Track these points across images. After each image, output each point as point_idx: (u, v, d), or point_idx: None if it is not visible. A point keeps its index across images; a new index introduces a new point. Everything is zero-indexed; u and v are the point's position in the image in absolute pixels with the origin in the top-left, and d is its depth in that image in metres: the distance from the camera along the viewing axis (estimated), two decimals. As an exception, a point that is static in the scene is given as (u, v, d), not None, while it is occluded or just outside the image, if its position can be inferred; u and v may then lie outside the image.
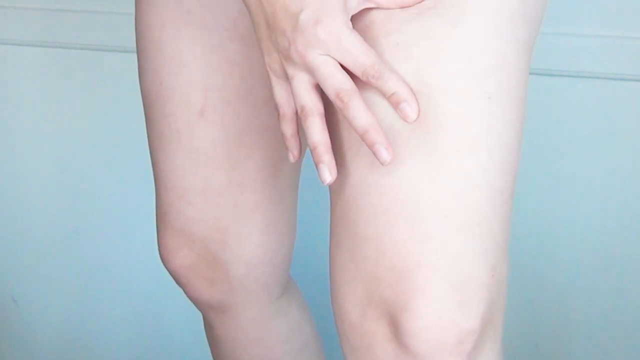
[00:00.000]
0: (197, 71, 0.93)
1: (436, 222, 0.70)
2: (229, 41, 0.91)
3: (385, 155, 0.70)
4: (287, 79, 0.75)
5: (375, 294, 0.71)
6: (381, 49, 0.73)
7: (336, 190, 0.76)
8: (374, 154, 0.70)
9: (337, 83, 0.72)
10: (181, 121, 0.94)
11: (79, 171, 1.55)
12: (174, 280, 1.04)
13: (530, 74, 1.25)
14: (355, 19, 0.75)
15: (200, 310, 1.08)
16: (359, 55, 0.71)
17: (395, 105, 0.71)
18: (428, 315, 0.69)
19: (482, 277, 0.70)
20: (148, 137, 0.99)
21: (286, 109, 0.78)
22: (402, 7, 0.73)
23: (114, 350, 1.63)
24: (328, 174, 0.73)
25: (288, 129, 0.79)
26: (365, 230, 0.72)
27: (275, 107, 0.79)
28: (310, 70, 0.72)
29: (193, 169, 0.96)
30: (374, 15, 0.74)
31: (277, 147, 0.96)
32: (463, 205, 0.70)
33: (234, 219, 0.98)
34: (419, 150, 0.71)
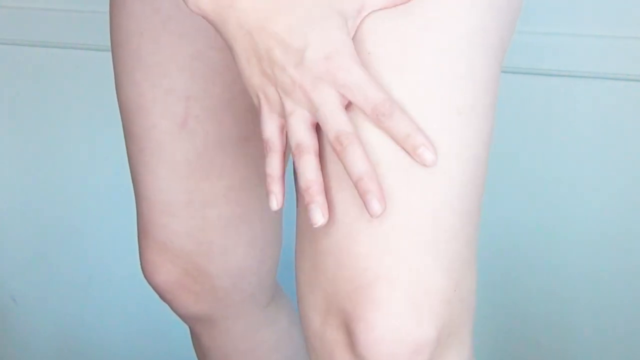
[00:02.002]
0: (178, 81, 0.90)
1: (399, 238, 0.69)
2: (209, 49, 0.89)
3: (376, 207, 0.67)
4: (282, 114, 0.72)
5: (333, 304, 0.70)
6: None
7: (301, 200, 0.74)
8: (365, 203, 0.68)
9: (339, 124, 0.69)
10: (163, 133, 0.92)
11: (79, 171, 1.55)
12: (158, 297, 1.02)
13: (530, 74, 1.26)
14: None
15: (187, 324, 1.07)
16: (370, 91, 0.69)
17: (412, 149, 0.68)
18: (382, 326, 0.68)
19: (443, 292, 0.69)
20: (128, 151, 0.97)
21: (277, 145, 0.74)
22: (395, 5, 0.71)
23: (114, 350, 1.63)
24: (321, 215, 0.70)
25: (276, 168, 0.74)
26: (326, 242, 0.71)
27: (263, 144, 0.75)
28: (313, 107, 0.70)
29: (176, 181, 0.94)
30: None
31: (261, 156, 0.92)
32: (430, 222, 0.69)
33: (219, 232, 0.96)
34: (384, 165, 0.69)
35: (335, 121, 0.69)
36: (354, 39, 0.71)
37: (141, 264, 1.00)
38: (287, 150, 0.75)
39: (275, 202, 0.74)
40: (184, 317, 1.04)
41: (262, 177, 0.93)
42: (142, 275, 1.57)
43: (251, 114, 0.92)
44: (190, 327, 1.07)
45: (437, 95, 0.70)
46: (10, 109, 1.56)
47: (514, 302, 1.37)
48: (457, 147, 0.70)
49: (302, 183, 0.71)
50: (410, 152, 0.68)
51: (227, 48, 0.84)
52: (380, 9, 0.71)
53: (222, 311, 1.01)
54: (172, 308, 1.03)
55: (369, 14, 0.71)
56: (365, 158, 0.68)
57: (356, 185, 0.68)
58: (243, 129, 0.93)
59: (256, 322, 1.05)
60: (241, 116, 0.92)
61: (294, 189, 0.77)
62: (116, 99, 1.49)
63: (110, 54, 1.44)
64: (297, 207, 0.76)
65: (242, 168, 0.94)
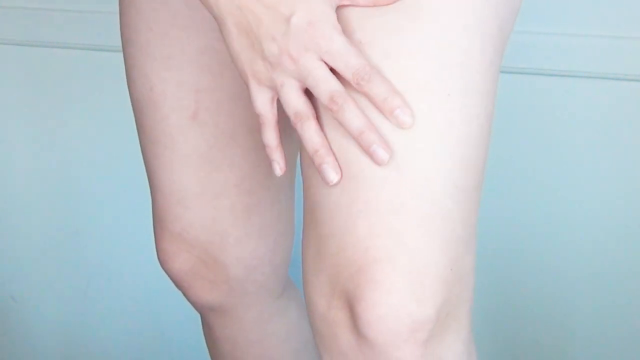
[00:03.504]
0: (188, 74, 0.92)
1: (395, 218, 0.71)
2: (217, 42, 0.90)
3: (382, 154, 0.70)
4: (271, 87, 0.75)
5: (337, 286, 0.73)
6: None
7: (305, 188, 0.77)
8: (371, 155, 0.71)
9: (331, 86, 0.72)
10: (175, 125, 0.94)
11: (79, 171, 1.55)
12: (174, 284, 1.04)
13: (530, 74, 1.26)
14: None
15: (200, 312, 1.08)
16: (350, 58, 0.72)
17: (389, 111, 0.71)
18: (383, 305, 0.71)
19: (440, 270, 0.72)
20: (141, 144, 0.99)
21: (270, 117, 0.78)
22: (375, 6, 0.73)
23: (114, 350, 1.63)
24: (334, 173, 0.73)
25: (272, 138, 0.79)
26: (328, 227, 0.73)
27: (257, 117, 0.79)
28: (302, 74, 0.73)
29: (189, 172, 0.95)
30: (338, 13, 0.74)
31: None
32: (422, 200, 0.71)
33: (232, 222, 0.98)
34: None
35: (327, 83, 0.72)
36: (344, 30, 0.73)
37: (157, 253, 1.02)
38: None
39: (278, 168, 0.79)
40: (197, 306, 1.05)
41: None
42: (142, 276, 1.57)
43: None
44: (202, 316, 1.08)
45: (426, 77, 0.72)
46: (10, 108, 1.56)
47: (513, 302, 1.37)
48: (445, 128, 0.72)
49: (310, 147, 0.74)
50: (388, 115, 0.71)
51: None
52: None
53: (236, 300, 1.03)
54: (186, 296, 1.04)
55: (359, 9, 0.74)
56: (361, 113, 0.71)
57: (359, 140, 0.71)
58: (252, 119, 0.94)
59: (268, 312, 1.06)
60: (250, 107, 0.93)
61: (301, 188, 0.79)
62: (116, 99, 1.49)
63: (110, 54, 1.44)
64: (303, 194, 0.78)
65: (253, 158, 0.96)
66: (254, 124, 0.94)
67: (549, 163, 1.29)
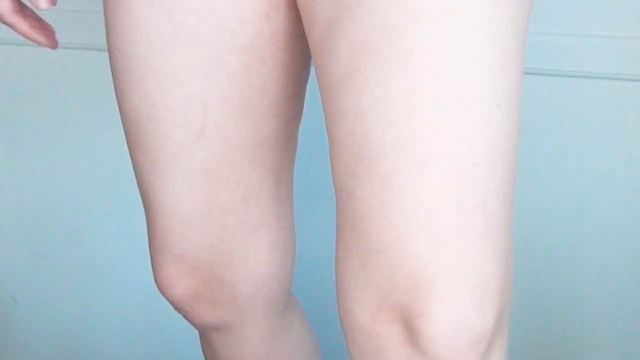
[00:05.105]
0: (194, 88, 0.87)
1: (455, 233, 0.70)
2: (226, 53, 0.86)
3: None
4: None
5: (388, 300, 0.72)
6: (390, 53, 0.72)
7: (343, 201, 0.75)
8: None
9: None
10: (180, 143, 0.89)
11: (79, 171, 1.55)
12: (173, 308, 1.00)
13: (530, 74, 1.26)
14: (368, 15, 0.73)
15: (202, 333, 1.05)
16: None
17: None
18: (445, 320, 0.70)
19: (499, 280, 0.72)
20: (135, 163, 0.93)
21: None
22: None
23: (114, 350, 1.63)
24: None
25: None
26: (379, 242, 0.72)
27: None
28: None
29: (194, 191, 0.91)
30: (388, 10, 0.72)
31: (277, 157, 0.93)
32: (482, 213, 0.71)
33: (240, 239, 0.94)
34: (436, 164, 0.71)
35: None
36: (394, 35, 0.72)
37: (155, 279, 0.98)
38: None
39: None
40: (199, 327, 1.02)
41: (278, 180, 0.94)
42: (142, 275, 1.57)
43: (268, 116, 0.90)
44: (203, 336, 1.05)
45: (480, 88, 0.72)
46: (10, 108, 1.56)
47: (518, 302, 1.37)
48: (499, 138, 0.72)
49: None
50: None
51: (244, 52, 0.85)
52: None
53: (242, 318, 1.00)
54: (188, 319, 1.01)
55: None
56: None
57: None
58: (261, 132, 0.91)
59: (274, 329, 1.03)
60: (258, 119, 0.90)
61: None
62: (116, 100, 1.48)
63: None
64: (337, 208, 0.76)
65: (260, 171, 0.93)
66: (262, 138, 0.91)
67: (548, 163, 1.29)
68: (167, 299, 0.99)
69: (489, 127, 0.72)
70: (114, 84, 0.92)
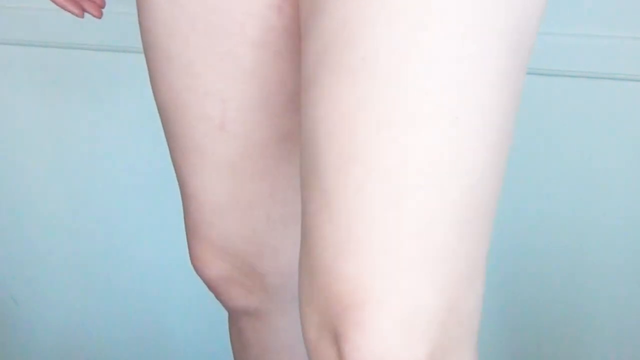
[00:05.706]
0: (212, 82, 0.87)
1: (387, 259, 0.67)
2: (238, 47, 0.86)
3: None
4: None
5: (326, 321, 0.70)
6: (344, 63, 0.68)
7: (302, 210, 0.74)
8: None
9: None
10: (203, 135, 0.90)
11: (79, 171, 1.55)
12: (207, 288, 1.01)
13: (531, 74, 1.25)
14: (329, 18, 0.70)
15: (232, 316, 1.05)
16: None
17: None
18: (368, 349, 0.67)
19: (437, 312, 0.68)
20: (170, 150, 0.95)
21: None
22: None
23: (114, 350, 1.63)
24: None
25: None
26: (319, 260, 0.70)
27: None
28: None
29: (221, 182, 0.92)
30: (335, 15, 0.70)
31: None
32: (420, 240, 0.67)
33: (269, 232, 0.95)
34: (374, 186, 0.67)
35: None
36: (349, 42, 0.68)
37: (191, 260, 0.99)
38: None
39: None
40: (231, 310, 1.03)
41: None
42: (142, 276, 1.57)
43: (289, 111, 0.89)
44: (233, 319, 1.06)
45: (434, 103, 0.67)
46: (10, 109, 1.55)
47: (517, 302, 1.37)
48: (453, 157, 0.68)
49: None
50: None
51: (256, 46, 0.84)
52: None
53: (272, 306, 1.00)
54: (221, 301, 1.02)
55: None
56: None
57: None
58: (281, 127, 0.90)
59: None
60: (278, 114, 0.89)
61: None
62: (116, 100, 1.49)
63: (112, 54, 1.44)
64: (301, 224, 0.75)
65: (285, 167, 0.92)
66: (285, 133, 0.90)
67: (548, 163, 1.30)
68: (202, 279, 1.00)
69: (440, 145, 0.67)
70: (149, 76, 0.94)
